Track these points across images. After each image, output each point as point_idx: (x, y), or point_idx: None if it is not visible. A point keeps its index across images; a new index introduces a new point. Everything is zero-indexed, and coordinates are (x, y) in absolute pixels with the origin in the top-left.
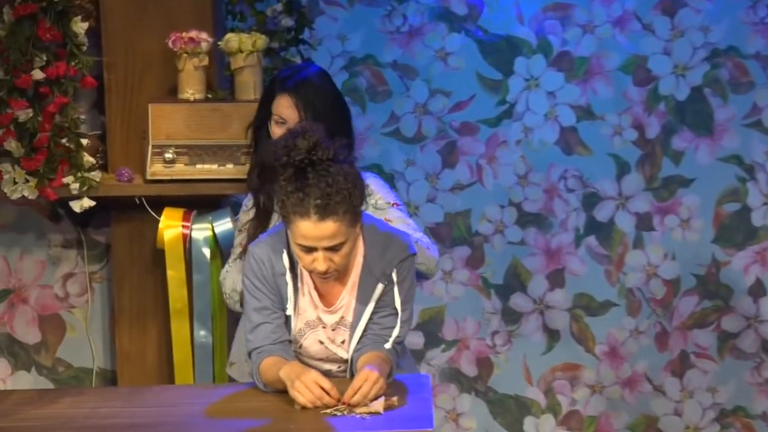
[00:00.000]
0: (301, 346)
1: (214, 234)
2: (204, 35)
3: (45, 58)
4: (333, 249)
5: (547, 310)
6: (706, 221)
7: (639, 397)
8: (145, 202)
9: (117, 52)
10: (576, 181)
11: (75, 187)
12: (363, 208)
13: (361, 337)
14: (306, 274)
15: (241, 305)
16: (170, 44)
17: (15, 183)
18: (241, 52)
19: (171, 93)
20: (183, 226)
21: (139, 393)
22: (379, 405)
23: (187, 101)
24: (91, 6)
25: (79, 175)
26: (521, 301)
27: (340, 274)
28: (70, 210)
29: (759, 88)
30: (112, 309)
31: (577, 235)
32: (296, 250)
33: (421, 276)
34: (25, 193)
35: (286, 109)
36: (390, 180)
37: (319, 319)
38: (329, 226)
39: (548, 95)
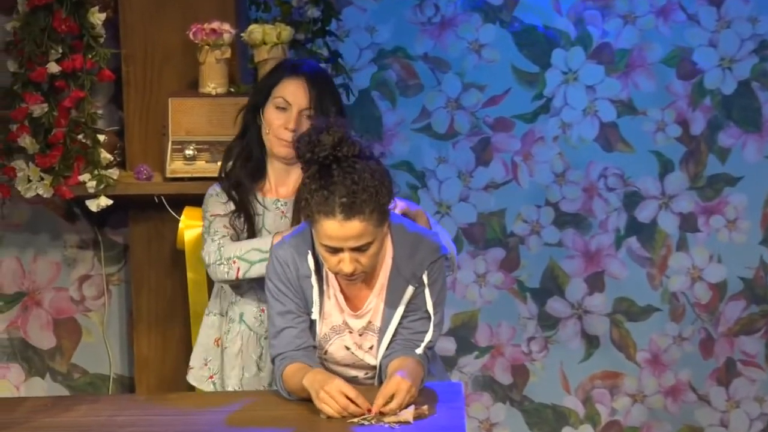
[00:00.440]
0: (326, 352)
1: None
2: (226, 26)
3: (61, 51)
4: (360, 249)
5: (586, 315)
6: (754, 222)
7: (682, 407)
8: (164, 200)
9: (135, 44)
10: (616, 180)
11: (91, 185)
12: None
13: (390, 343)
14: (332, 276)
15: (241, 273)
16: (191, 36)
17: (29, 181)
18: (265, 44)
19: (192, 87)
20: None
21: (158, 401)
22: (409, 414)
23: (208, 95)
24: None
25: (95, 172)
26: (558, 306)
27: (367, 277)
28: (86, 209)
29: None
30: (130, 313)
31: (617, 237)
32: (321, 251)
33: None
34: (40, 192)
35: (294, 92)
36: (421, 178)
37: (346, 323)
38: (355, 225)
39: (587, 89)
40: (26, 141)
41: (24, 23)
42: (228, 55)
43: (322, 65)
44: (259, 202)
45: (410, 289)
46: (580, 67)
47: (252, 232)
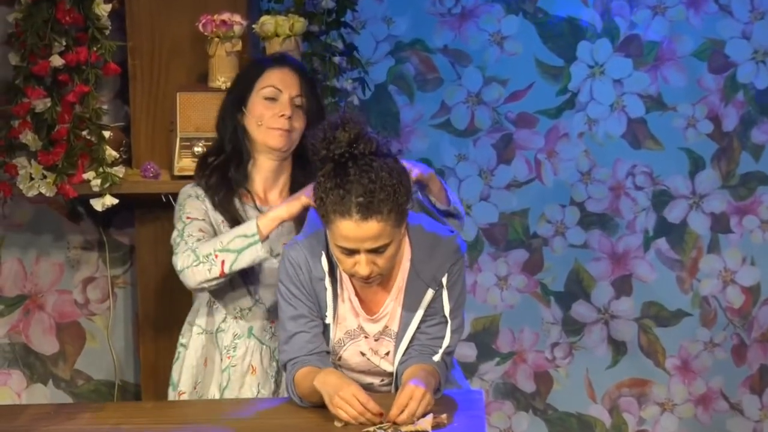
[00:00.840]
0: (340, 358)
1: None
2: (237, 18)
3: (64, 43)
4: (376, 251)
5: (613, 320)
6: None
7: (714, 416)
8: (172, 200)
9: (142, 37)
10: (645, 178)
11: (96, 183)
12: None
13: (407, 348)
14: (346, 278)
15: (227, 267)
16: (200, 28)
17: (31, 179)
18: (278, 36)
19: (201, 81)
20: None
21: (165, 408)
22: (426, 423)
23: (218, 90)
24: None
25: (100, 170)
26: (584, 310)
27: (383, 279)
28: (90, 209)
29: None
30: (136, 316)
31: (646, 238)
32: (336, 253)
33: None
34: (42, 190)
35: (283, 79)
36: (440, 176)
37: (361, 328)
38: (372, 226)
39: (614, 83)
40: (28, 137)
41: (26, 14)
42: (239, 47)
43: (337, 58)
44: (247, 210)
45: (430, 293)
46: (607, 61)
47: None
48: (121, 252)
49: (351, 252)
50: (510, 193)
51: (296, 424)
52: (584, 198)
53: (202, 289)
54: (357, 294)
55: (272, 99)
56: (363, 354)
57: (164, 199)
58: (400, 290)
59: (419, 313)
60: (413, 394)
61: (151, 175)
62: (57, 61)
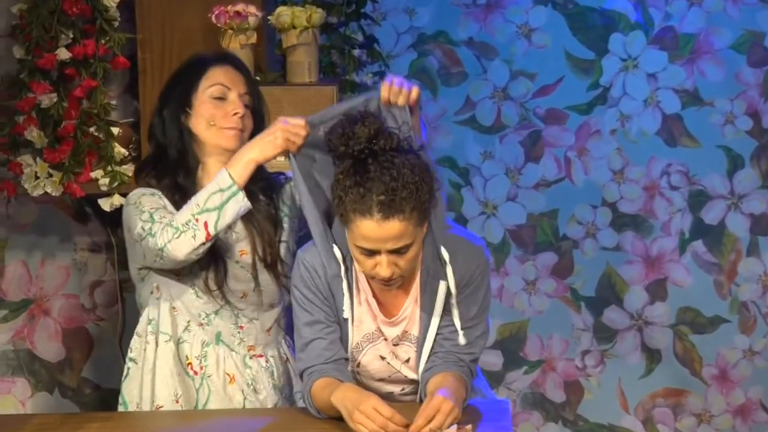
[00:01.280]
0: (359, 365)
1: None
2: (252, 9)
3: (71, 35)
4: (398, 252)
5: (647, 327)
6: None
7: (753, 427)
8: None
9: (153, 29)
10: (681, 178)
11: (104, 182)
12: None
13: (430, 355)
14: (363, 280)
15: (211, 227)
16: (213, 19)
17: (37, 178)
18: (294, 27)
19: None
20: None
21: (177, 418)
22: None
23: None
24: None
25: (109, 168)
26: (616, 316)
27: (403, 281)
28: (98, 209)
29: None
30: None
31: (681, 240)
32: (356, 254)
33: None
34: (48, 189)
35: (228, 77)
36: (464, 175)
37: (380, 331)
38: (394, 225)
39: (649, 78)
40: (33, 134)
41: (31, 5)
42: (254, 40)
43: (357, 51)
44: None
45: (443, 285)
46: (641, 54)
47: None
48: None
49: (371, 253)
50: (538, 193)
51: None
52: (617, 198)
53: (190, 261)
54: (374, 295)
55: (220, 98)
56: (383, 358)
57: None
58: (420, 293)
59: (437, 309)
60: (441, 407)
61: None
62: (63, 54)
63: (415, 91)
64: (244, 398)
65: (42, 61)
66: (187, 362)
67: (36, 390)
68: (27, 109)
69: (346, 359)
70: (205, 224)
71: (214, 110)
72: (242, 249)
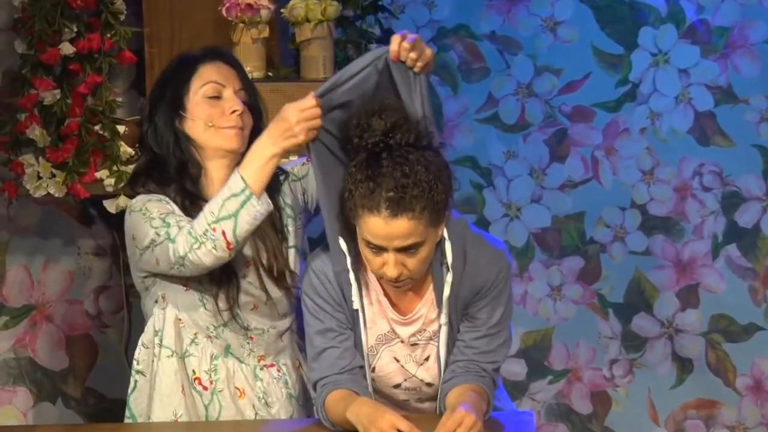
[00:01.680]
0: (374, 370)
1: None
2: (264, 1)
3: (75, 29)
4: (407, 251)
5: (678, 335)
6: None
7: None
8: None
9: (161, 22)
10: (713, 178)
11: (110, 183)
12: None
13: (451, 363)
14: (372, 278)
15: (230, 235)
16: (224, 12)
17: (39, 178)
18: (309, 21)
19: None
20: None
21: (184, 429)
22: None
23: None
24: None
25: (114, 168)
26: (646, 324)
27: (416, 284)
28: (103, 210)
29: None
30: None
31: (714, 244)
32: (364, 251)
33: None
34: (51, 190)
35: (221, 73)
36: (486, 176)
37: (394, 332)
38: (402, 224)
39: (680, 73)
40: (36, 132)
41: None
42: (266, 34)
43: (374, 46)
44: None
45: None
46: (672, 48)
47: None
48: None
49: (379, 249)
50: (564, 195)
51: None
52: (646, 200)
53: (217, 266)
54: (386, 294)
55: (216, 97)
56: (397, 360)
57: None
58: (434, 298)
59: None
60: (463, 421)
61: None
62: (67, 48)
63: (429, 51)
64: (255, 413)
65: (45, 56)
66: (194, 377)
67: (38, 400)
68: (29, 106)
69: (361, 367)
70: (223, 233)
71: (210, 110)
72: (247, 260)
